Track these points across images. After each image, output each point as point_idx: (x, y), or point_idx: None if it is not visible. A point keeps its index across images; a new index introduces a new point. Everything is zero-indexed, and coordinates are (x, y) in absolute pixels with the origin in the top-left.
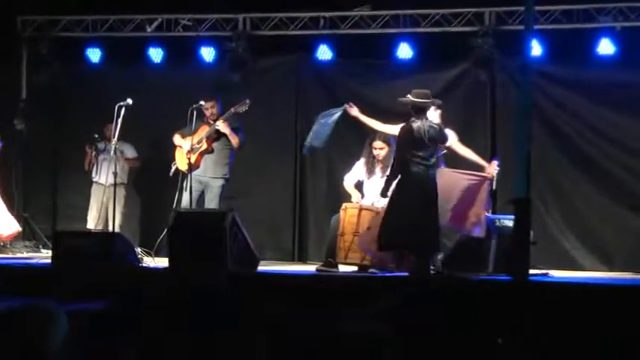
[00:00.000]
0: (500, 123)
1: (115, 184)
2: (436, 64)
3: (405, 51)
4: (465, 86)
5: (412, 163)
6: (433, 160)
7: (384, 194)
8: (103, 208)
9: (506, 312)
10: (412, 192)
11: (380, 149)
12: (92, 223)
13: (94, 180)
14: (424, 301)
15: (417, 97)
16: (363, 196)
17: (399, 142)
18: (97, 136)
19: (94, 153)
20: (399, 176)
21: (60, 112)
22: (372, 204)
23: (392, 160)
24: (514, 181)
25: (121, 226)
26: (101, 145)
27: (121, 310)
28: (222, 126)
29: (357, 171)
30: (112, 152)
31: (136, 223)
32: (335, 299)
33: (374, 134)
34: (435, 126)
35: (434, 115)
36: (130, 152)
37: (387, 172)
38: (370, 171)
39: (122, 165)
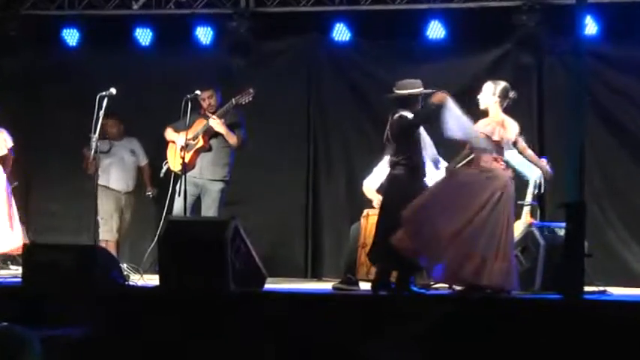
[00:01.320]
0: (549, 114)
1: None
2: (472, 46)
3: (436, 30)
4: (506, 71)
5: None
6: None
7: None
8: (123, 218)
9: (556, 336)
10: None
11: None
12: (111, 235)
13: (104, 185)
14: (460, 324)
15: (398, 89)
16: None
17: (396, 131)
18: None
19: (93, 155)
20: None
21: (31, 105)
22: None
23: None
24: (565, 183)
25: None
26: (104, 146)
27: (103, 337)
28: (216, 123)
29: (380, 172)
30: (123, 152)
31: (121, 234)
32: (355, 323)
33: None
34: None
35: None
36: (142, 156)
37: None
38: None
39: (134, 167)
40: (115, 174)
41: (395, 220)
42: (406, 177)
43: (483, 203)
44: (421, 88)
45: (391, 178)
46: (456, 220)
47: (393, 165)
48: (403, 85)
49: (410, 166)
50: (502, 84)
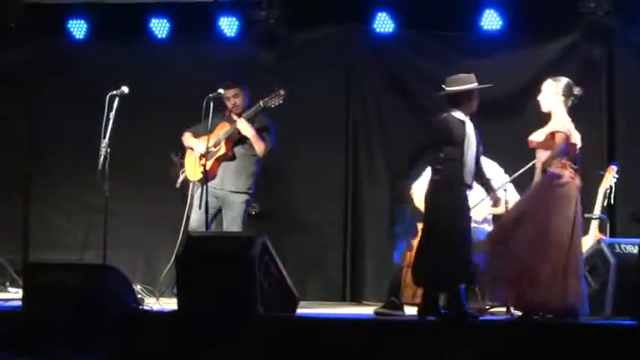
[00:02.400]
0: (621, 114)
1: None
2: (533, 37)
3: (491, 20)
4: (571, 66)
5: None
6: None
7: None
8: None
9: None
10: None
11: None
12: None
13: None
14: (519, 354)
15: (452, 85)
16: None
17: (436, 136)
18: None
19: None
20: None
21: (33, 105)
22: None
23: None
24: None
25: None
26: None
27: None
28: (243, 126)
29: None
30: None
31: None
32: (400, 352)
33: None
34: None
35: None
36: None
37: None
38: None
39: None
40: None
41: (441, 233)
42: (450, 186)
43: (553, 213)
44: (475, 84)
45: (434, 187)
46: (528, 235)
47: (435, 171)
48: (455, 81)
49: (453, 173)
50: (564, 80)
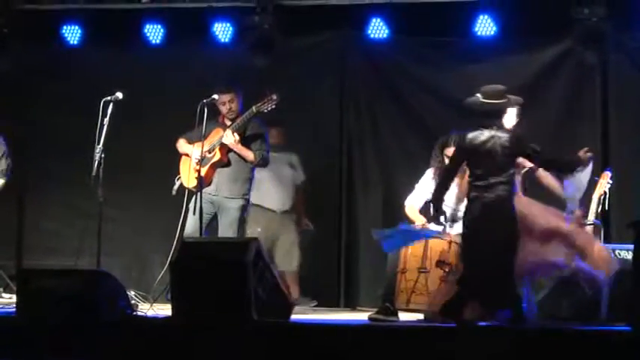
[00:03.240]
0: (615, 120)
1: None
2: (527, 43)
3: (485, 26)
4: (566, 72)
5: (470, 187)
6: (494, 179)
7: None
8: (280, 243)
9: None
10: (476, 227)
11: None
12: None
13: (256, 203)
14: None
15: (488, 98)
16: (430, 221)
17: (457, 155)
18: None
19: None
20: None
21: (26, 110)
22: (444, 230)
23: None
24: (636, 199)
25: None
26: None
27: None
28: (229, 140)
29: (424, 187)
30: (281, 166)
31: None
32: (394, 358)
33: (446, 137)
34: (510, 135)
35: (510, 117)
36: (301, 172)
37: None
38: (459, 198)
39: (292, 184)
40: (270, 190)
41: (512, 246)
42: (510, 202)
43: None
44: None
45: (495, 202)
46: None
47: (493, 185)
48: (492, 94)
49: (511, 190)
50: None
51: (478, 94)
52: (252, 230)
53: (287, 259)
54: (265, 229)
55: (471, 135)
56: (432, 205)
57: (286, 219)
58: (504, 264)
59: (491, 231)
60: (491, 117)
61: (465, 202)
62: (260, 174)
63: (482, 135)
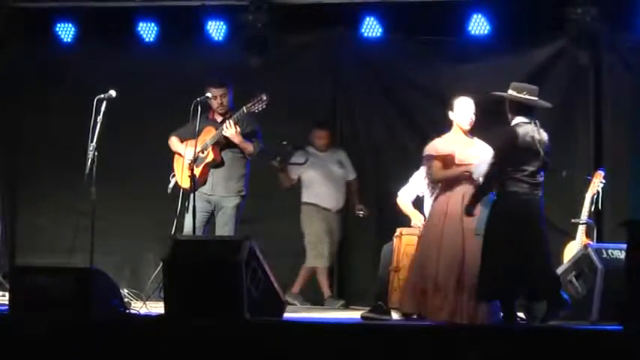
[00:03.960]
0: (608, 120)
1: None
2: (520, 43)
3: (479, 25)
4: (559, 72)
5: (511, 181)
6: (541, 178)
7: (468, 212)
8: (334, 243)
9: None
10: (512, 222)
11: None
12: (322, 261)
13: (312, 203)
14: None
15: (523, 93)
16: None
17: (499, 152)
18: (285, 142)
19: (288, 167)
20: (496, 202)
21: (19, 108)
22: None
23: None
24: (628, 198)
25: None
26: (298, 157)
27: None
28: (230, 133)
29: (417, 183)
30: (330, 164)
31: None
32: (387, 357)
33: (439, 132)
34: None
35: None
36: (351, 168)
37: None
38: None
39: (343, 182)
40: (323, 190)
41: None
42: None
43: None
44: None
45: (530, 200)
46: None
47: (517, 180)
48: (529, 90)
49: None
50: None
51: (510, 90)
52: (309, 229)
53: (328, 255)
54: (324, 227)
55: (521, 131)
56: (477, 195)
57: (341, 217)
58: (542, 256)
59: (525, 229)
60: (531, 112)
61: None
62: (310, 174)
63: (531, 131)
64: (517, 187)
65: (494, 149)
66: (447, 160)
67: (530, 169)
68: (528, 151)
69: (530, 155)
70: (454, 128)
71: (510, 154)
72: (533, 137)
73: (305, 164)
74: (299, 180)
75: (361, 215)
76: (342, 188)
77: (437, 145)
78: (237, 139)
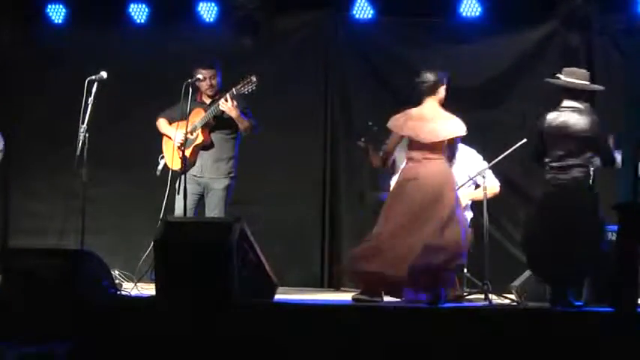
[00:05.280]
0: (600, 104)
1: None
2: (512, 25)
3: (470, 7)
4: (550, 54)
5: (545, 167)
6: (572, 161)
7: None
8: None
9: (606, 353)
10: (544, 207)
11: None
12: None
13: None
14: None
15: (571, 77)
16: None
17: (533, 136)
18: (370, 123)
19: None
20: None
21: (9, 91)
22: None
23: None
24: (618, 181)
25: None
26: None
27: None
28: (227, 107)
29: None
30: None
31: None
32: (377, 338)
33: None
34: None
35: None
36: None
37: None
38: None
39: None
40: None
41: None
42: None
43: None
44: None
45: (572, 182)
46: None
47: (570, 167)
48: (578, 74)
49: (588, 173)
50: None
51: (559, 75)
52: None
53: None
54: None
55: (549, 116)
56: None
57: None
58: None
59: (567, 214)
60: (576, 96)
61: None
62: (401, 156)
63: (561, 116)
64: (546, 172)
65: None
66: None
67: (558, 153)
68: (555, 136)
69: (556, 140)
70: (426, 102)
71: (538, 139)
72: (563, 121)
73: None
74: (393, 163)
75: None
76: None
77: (394, 121)
78: (234, 112)
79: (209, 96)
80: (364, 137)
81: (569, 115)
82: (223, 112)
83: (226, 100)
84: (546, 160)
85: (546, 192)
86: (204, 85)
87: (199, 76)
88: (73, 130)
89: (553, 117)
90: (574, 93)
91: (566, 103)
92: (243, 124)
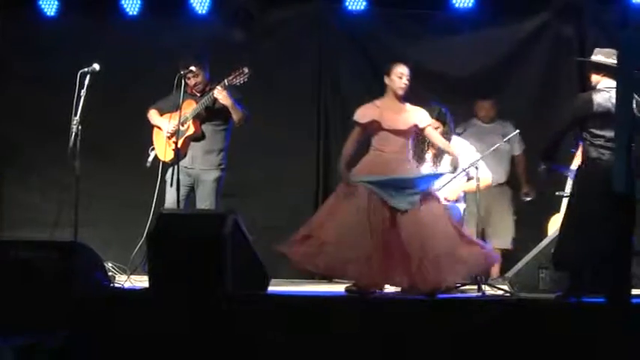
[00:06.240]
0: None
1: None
2: (505, 16)
3: None
4: (544, 45)
5: (593, 148)
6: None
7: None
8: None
9: (598, 344)
10: (596, 189)
11: (433, 129)
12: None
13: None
14: (490, 330)
15: (611, 57)
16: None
17: (573, 117)
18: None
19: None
20: (580, 169)
21: (2, 82)
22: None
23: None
24: (612, 172)
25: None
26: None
27: (83, 346)
28: (222, 96)
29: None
30: (495, 137)
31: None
32: (370, 330)
33: (426, 108)
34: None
35: None
36: (518, 143)
37: (442, 161)
38: (419, 158)
39: (508, 157)
40: (482, 162)
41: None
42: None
43: None
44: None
45: (595, 164)
46: None
47: (598, 146)
48: (610, 54)
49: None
50: None
51: (597, 56)
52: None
53: (501, 234)
54: (478, 204)
55: (598, 96)
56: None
57: (500, 192)
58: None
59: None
60: (612, 77)
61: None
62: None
63: (612, 97)
64: (598, 153)
65: (565, 115)
66: (373, 127)
67: (609, 134)
68: (606, 117)
69: (609, 121)
70: (387, 94)
71: (584, 120)
72: (611, 102)
73: (462, 135)
74: None
75: (527, 200)
76: (506, 162)
77: (364, 112)
78: (228, 102)
79: (198, 92)
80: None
81: (610, 95)
82: (215, 103)
83: (221, 89)
84: (596, 141)
85: (596, 172)
86: (190, 83)
87: (192, 68)
88: (66, 122)
89: (604, 98)
90: (612, 73)
91: (608, 83)
92: (237, 114)
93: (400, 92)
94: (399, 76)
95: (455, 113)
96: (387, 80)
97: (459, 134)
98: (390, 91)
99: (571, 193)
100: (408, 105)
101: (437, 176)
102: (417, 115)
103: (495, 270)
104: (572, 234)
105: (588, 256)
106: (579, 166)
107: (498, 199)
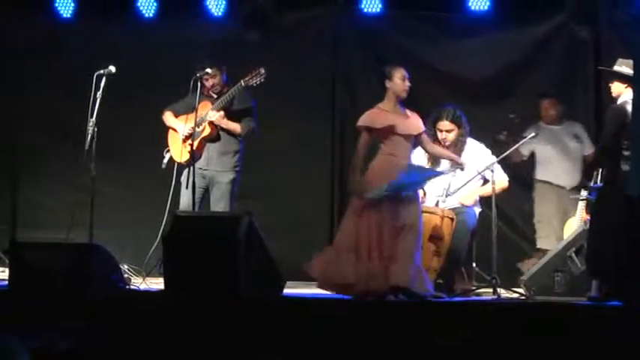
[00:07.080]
0: (608, 97)
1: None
2: (519, 18)
3: (479, 1)
4: (559, 47)
5: (623, 159)
6: None
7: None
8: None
9: (614, 348)
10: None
11: (447, 132)
12: (551, 243)
13: (543, 180)
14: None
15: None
16: (424, 194)
17: (612, 127)
18: (513, 115)
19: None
20: (612, 182)
21: (18, 86)
22: (437, 205)
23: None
24: (629, 175)
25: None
26: (530, 131)
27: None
28: (214, 117)
29: (416, 161)
30: (566, 138)
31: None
32: (382, 332)
33: (438, 111)
34: None
35: None
36: (588, 143)
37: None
38: (434, 161)
39: (579, 157)
40: (558, 166)
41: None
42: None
43: None
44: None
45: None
46: None
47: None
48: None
49: None
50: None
51: (620, 66)
52: (539, 209)
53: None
54: (555, 207)
55: (629, 108)
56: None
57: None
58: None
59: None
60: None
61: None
62: (544, 150)
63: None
64: (626, 164)
65: (607, 128)
66: (386, 132)
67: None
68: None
69: None
70: (389, 98)
71: (621, 132)
72: None
73: (536, 138)
74: (532, 156)
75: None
76: (579, 164)
77: (374, 117)
78: (222, 122)
79: (215, 93)
80: (505, 130)
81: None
82: (231, 104)
83: (213, 114)
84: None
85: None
86: (207, 85)
87: (208, 70)
88: (82, 123)
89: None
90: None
91: (631, 94)
92: (235, 130)
93: (404, 95)
94: (403, 78)
95: (470, 115)
96: (388, 84)
97: (533, 136)
98: (391, 95)
99: (598, 201)
100: (407, 109)
101: (437, 173)
102: (419, 121)
103: None
104: (604, 240)
105: (623, 259)
106: (606, 176)
107: (574, 204)
